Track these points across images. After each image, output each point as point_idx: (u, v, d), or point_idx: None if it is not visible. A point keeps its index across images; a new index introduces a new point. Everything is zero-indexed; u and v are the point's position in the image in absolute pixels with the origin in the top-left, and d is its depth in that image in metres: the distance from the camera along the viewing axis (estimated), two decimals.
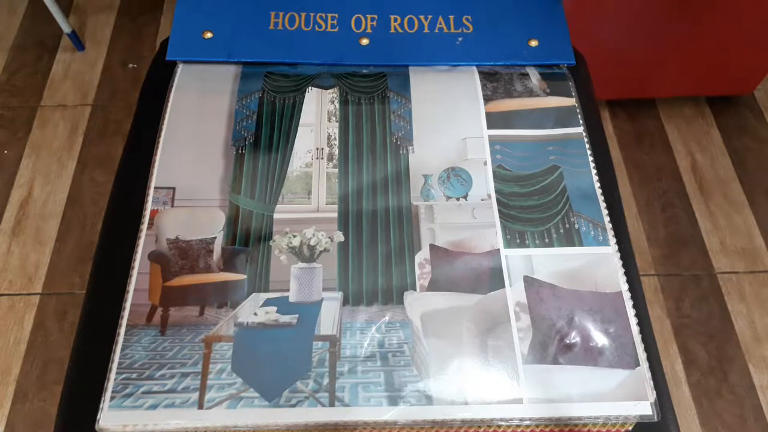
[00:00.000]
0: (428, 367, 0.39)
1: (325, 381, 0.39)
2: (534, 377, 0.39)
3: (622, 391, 0.39)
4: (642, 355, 0.40)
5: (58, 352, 1.02)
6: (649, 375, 0.40)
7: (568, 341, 0.41)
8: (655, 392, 0.39)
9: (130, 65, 1.39)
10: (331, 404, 0.38)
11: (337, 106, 0.52)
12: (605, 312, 0.42)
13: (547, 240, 0.45)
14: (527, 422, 0.38)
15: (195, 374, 0.39)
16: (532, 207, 0.47)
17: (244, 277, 0.43)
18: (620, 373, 0.40)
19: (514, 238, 0.45)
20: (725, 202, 1.18)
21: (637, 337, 0.41)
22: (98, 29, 1.45)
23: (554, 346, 0.40)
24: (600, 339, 0.41)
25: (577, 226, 0.46)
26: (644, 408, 0.38)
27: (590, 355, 0.40)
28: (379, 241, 0.45)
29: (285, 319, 0.41)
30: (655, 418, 0.38)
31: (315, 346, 0.40)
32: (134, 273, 0.43)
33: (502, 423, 0.38)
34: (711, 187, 1.20)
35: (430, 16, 0.58)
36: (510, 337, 0.41)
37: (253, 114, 0.51)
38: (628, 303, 0.42)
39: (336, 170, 0.49)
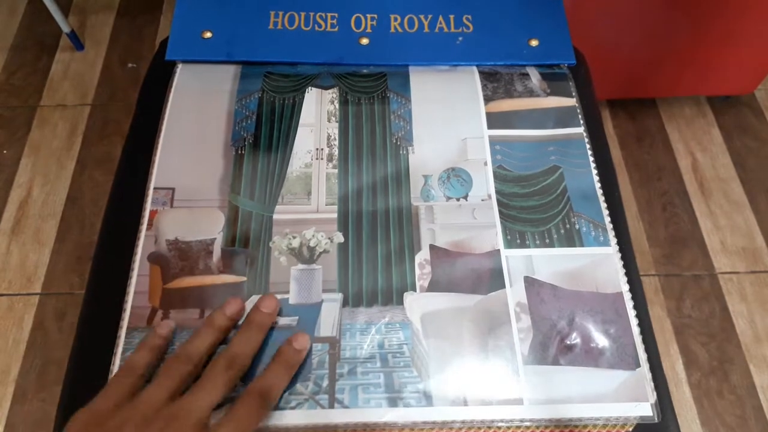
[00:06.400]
0: (428, 367, 0.39)
1: (325, 383, 0.39)
2: (534, 378, 0.39)
3: (623, 392, 0.39)
4: (642, 356, 0.40)
5: (57, 352, 1.02)
6: (649, 376, 0.40)
7: (568, 342, 0.40)
8: (655, 393, 0.39)
9: (130, 65, 1.39)
10: (331, 406, 0.38)
11: (337, 106, 0.52)
12: (606, 313, 0.42)
13: (547, 240, 0.45)
14: (527, 423, 0.38)
15: None
16: (532, 207, 0.47)
17: (243, 279, 0.43)
18: (621, 374, 0.40)
19: (515, 239, 0.45)
20: (726, 202, 1.18)
21: (638, 338, 0.41)
22: (98, 29, 1.45)
23: (555, 346, 0.40)
24: (600, 340, 0.41)
25: (577, 226, 0.46)
26: (644, 409, 0.38)
27: (591, 356, 0.40)
28: (378, 241, 0.45)
29: (285, 321, 0.41)
30: (656, 420, 0.38)
31: (315, 348, 0.40)
32: (134, 275, 0.43)
33: (502, 424, 0.38)
34: (711, 187, 1.20)
35: (430, 16, 0.57)
36: (510, 338, 0.40)
37: (253, 114, 0.51)
38: (629, 303, 0.42)
39: (336, 170, 0.48)
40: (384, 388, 0.38)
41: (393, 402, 0.38)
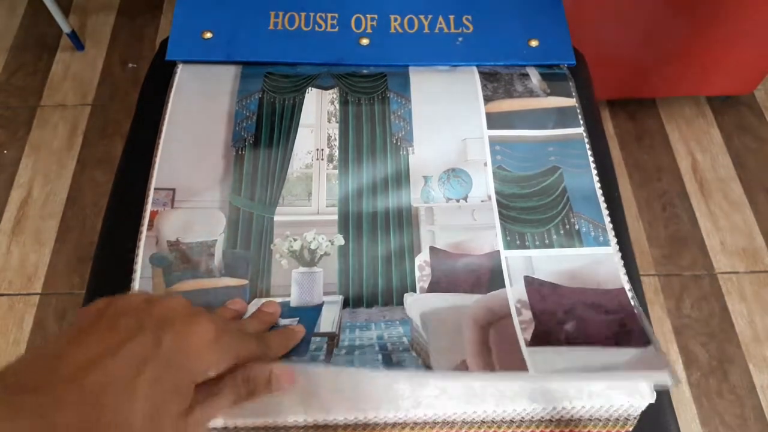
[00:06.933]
0: (428, 351, 0.39)
1: (321, 357, 0.38)
2: (539, 356, 0.38)
3: (637, 366, 0.37)
4: (652, 336, 0.39)
5: None
6: (663, 350, 0.38)
7: (572, 330, 0.40)
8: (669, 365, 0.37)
9: (130, 65, 1.39)
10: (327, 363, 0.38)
11: (337, 106, 0.52)
12: (609, 305, 0.41)
13: (547, 241, 0.45)
14: (535, 408, 0.38)
15: None
16: (532, 208, 0.47)
17: (246, 282, 0.43)
18: (632, 351, 0.38)
19: (514, 240, 0.45)
20: (725, 202, 1.18)
21: (648, 328, 0.40)
22: (98, 29, 1.44)
23: (559, 334, 0.40)
24: (607, 327, 0.40)
25: (577, 226, 0.46)
26: (663, 377, 0.36)
27: (598, 339, 0.39)
28: (379, 243, 0.45)
29: (286, 322, 0.41)
30: (674, 386, 0.36)
31: (313, 340, 0.40)
32: (137, 276, 0.43)
33: (507, 398, 0.38)
34: (711, 187, 1.20)
35: (430, 16, 0.57)
36: (512, 329, 0.40)
37: (253, 115, 0.51)
38: (632, 300, 0.42)
39: (336, 171, 0.48)
40: (382, 362, 0.38)
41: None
